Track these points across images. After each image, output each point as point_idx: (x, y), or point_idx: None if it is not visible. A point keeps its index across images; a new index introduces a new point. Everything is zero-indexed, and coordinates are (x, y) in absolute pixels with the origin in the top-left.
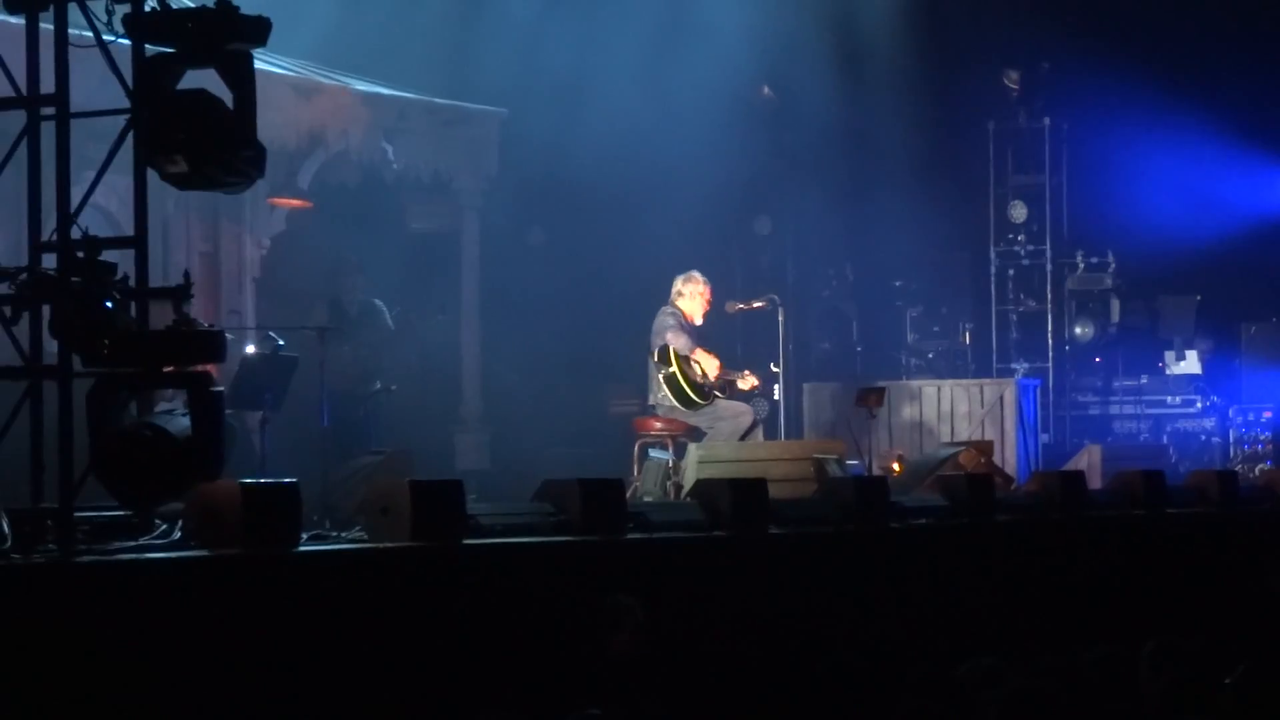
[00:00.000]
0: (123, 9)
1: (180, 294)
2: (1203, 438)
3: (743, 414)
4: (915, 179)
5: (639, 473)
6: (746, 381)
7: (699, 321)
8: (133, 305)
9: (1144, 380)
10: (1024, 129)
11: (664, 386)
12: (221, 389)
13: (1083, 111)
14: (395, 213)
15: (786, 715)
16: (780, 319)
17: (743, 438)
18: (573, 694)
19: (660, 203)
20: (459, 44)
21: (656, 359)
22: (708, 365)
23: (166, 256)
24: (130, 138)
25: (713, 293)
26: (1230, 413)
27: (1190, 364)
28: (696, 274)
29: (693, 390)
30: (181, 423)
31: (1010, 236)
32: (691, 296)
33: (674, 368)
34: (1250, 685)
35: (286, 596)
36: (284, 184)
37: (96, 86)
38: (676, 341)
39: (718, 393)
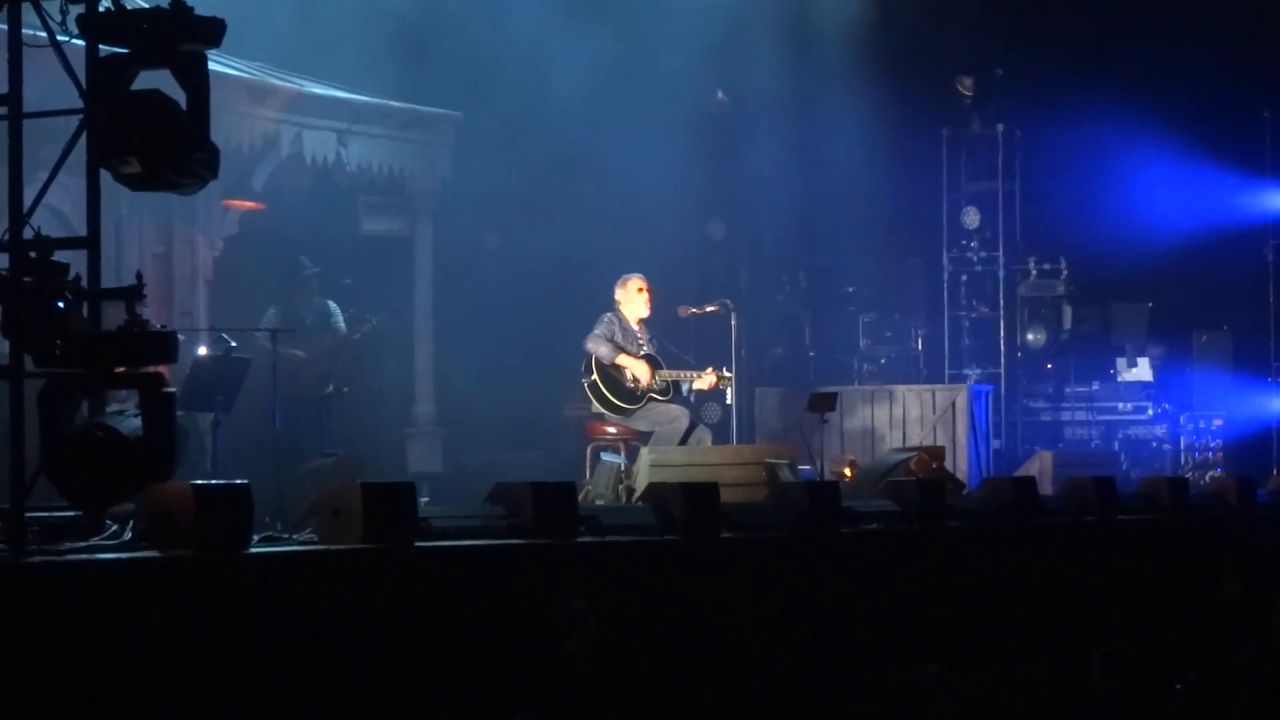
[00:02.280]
0: (77, 9)
1: (133, 295)
2: (1154, 445)
3: (679, 417)
4: (869, 185)
5: (591, 476)
6: (704, 380)
7: (646, 314)
8: (85, 306)
9: (1096, 387)
10: (977, 135)
11: (588, 394)
12: (173, 390)
13: (1036, 118)
14: (349, 215)
15: None
16: (733, 323)
17: (683, 440)
18: (523, 697)
19: (615, 207)
20: (414, 47)
21: (582, 368)
22: (637, 370)
23: (119, 257)
24: (84, 138)
25: (648, 285)
26: (1181, 420)
27: (1142, 371)
28: (631, 275)
29: (616, 396)
30: (133, 424)
31: (963, 243)
32: (629, 299)
33: (594, 375)
34: (1200, 691)
35: (238, 598)
36: (238, 186)
37: (50, 87)
38: (598, 349)
39: (655, 395)
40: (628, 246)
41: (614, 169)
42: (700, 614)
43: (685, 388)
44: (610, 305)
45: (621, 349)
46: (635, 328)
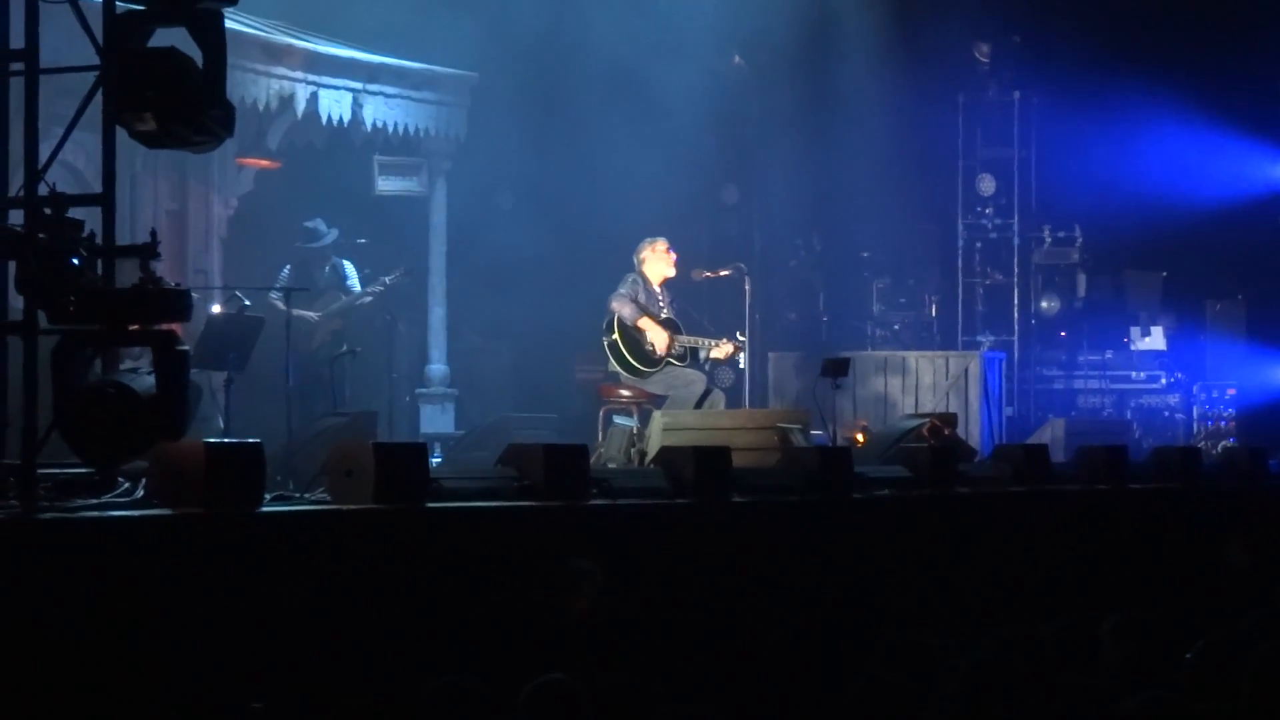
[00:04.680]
0: None
1: (147, 252)
2: (1166, 414)
3: (694, 381)
4: (884, 150)
5: (603, 439)
6: (721, 349)
7: (672, 274)
8: (99, 263)
9: (1109, 355)
10: (993, 102)
11: (607, 353)
12: (187, 348)
13: (1053, 85)
14: (364, 175)
15: (746, 683)
16: (747, 288)
17: (698, 405)
18: (533, 657)
19: (629, 169)
20: (430, 6)
21: (603, 326)
22: (655, 336)
23: (134, 214)
24: (99, 95)
25: (672, 249)
26: (1194, 389)
27: (1155, 340)
28: (655, 237)
29: (635, 358)
30: (146, 381)
31: (978, 210)
32: (654, 260)
33: (615, 335)
34: (1209, 659)
35: (248, 556)
36: (252, 144)
37: (66, 43)
38: (622, 309)
39: (673, 360)
40: (641, 209)
41: (628, 132)
42: (711, 577)
43: (702, 354)
44: (628, 266)
45: (645, 311)
46: (657, 289)
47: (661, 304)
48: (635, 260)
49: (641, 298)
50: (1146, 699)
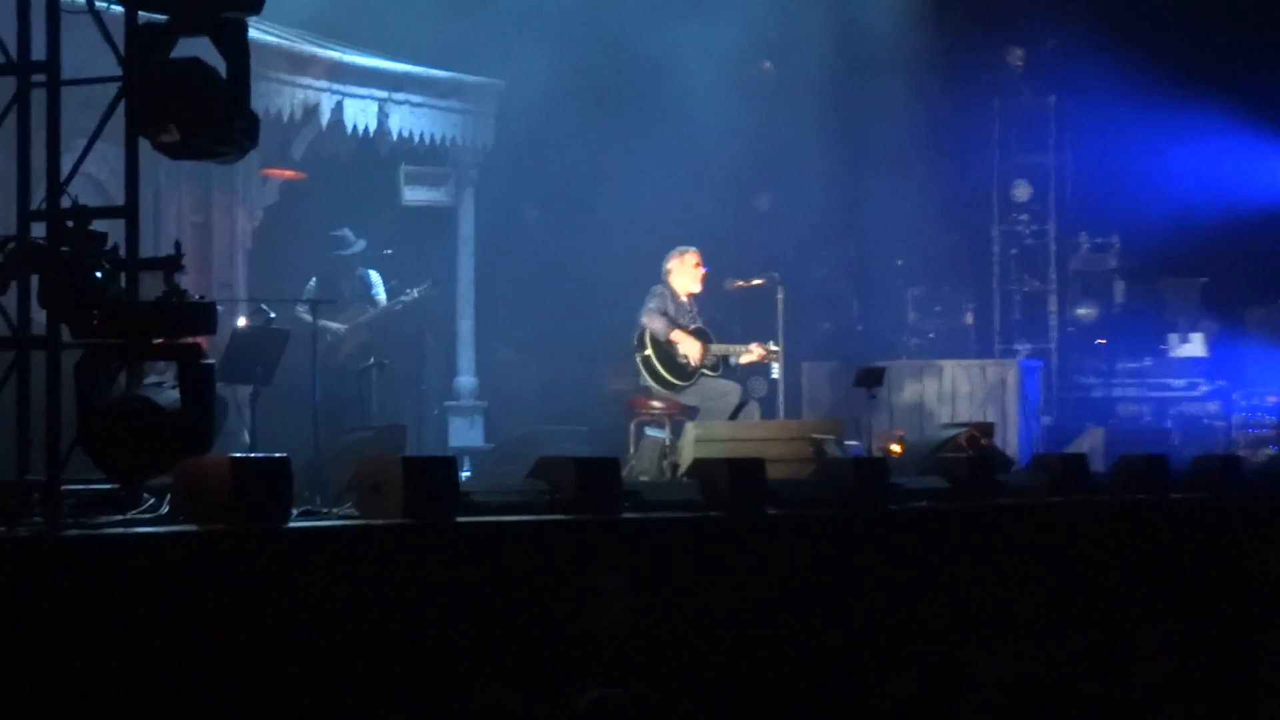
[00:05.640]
0: None
1: (171, 265)
2: (1206, 421)
3: (730, 393)
4: (917, 156)
5: (635, 451)
6: (751, 353)
7: (697, 289)
8: (123, 276)
9: (1147, 363)
10: (1028, 107)
11: (640, 369)
12: (212, 362)
13: (1088, 89)
14: (390, 185)
15: (780, 699)
16: (779, 297)
17: (733, 416)
18: (563, 674)
19: (658, 178)
20: (456, 14)
21: (635, 342)
22: (688, 348)
23: (157, 227)
24: (122, 106)
25: (703, 261)
26: (1234, 396)
27: (1194, 347)
28: (681, 246)
29: (669, 371)
30: (171, 395)
31: (1013, 216)
32: (680, 270)
33: (648, 350)
34: (1246, 670)
35: (276, 573)
36: (277, 155)
37: (88, 54)
38: (652, 324)
39: (706, 371)
40: (671, 218)
41: (658, 140)
42: (745, 591)
43: (732, 360)
44: (656, 277)
45: (675, 324)
46: (685, 301)
47: (689, 314)
48: (662, 270)
49: (670, 310)
50: (1183, 712)
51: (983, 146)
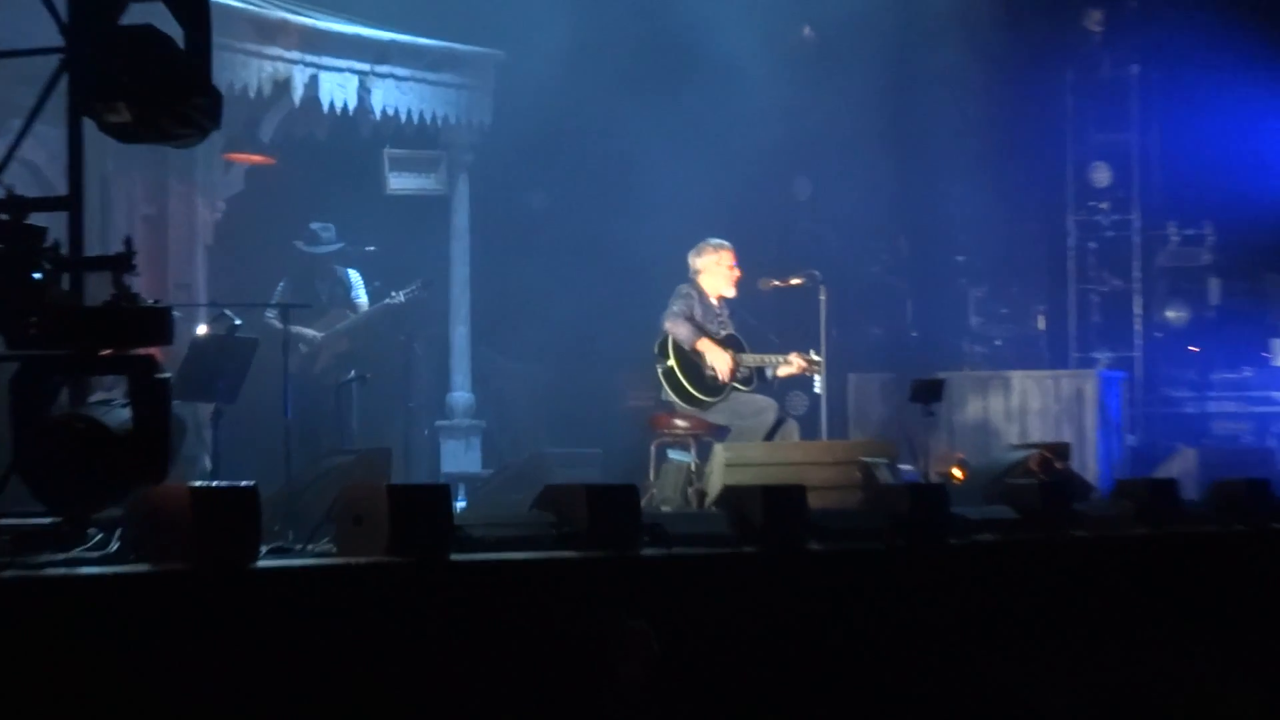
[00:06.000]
0: None
1: (121, 264)
2: None
3: (765, 410)
4: (980, 136)
5: (656, 477)
6: (790, 365)
7: (730, 292)
8: (65, 277)
9: (1247, 373)
10: (1108, 79)
11: (662, 382)
12: (168, 376)
13: (1178, 58)
14: (373, 171)
15: None
16: (821, 299)
17: (768, 437)
18: None
19: (683, 161)
20: None
21: (656, 350)
22: (717, 358)
23: (105, 220)
24: (64, 81)
25: (738, 258)
26: None
27: None
28: (714, 241)
29: (695, 385)
30: (121, 415)
31: (1091, 204)
32: (711, 269)
33: (671, 361)
34: None
35: (242, 618)
36: (243, 137)
37: (27, 22)
38: (676, 330)
39: (738, 385)
40: (698, 207)
41: (681, 117)
42: (783, 638)
43: (769, 373)
44: (683, 275)
45: (703, 331)
46: (715, 303)
47: (720, 319)
48: (690, 267)
49: (698, 314)
50: None
51: (1056, 124)
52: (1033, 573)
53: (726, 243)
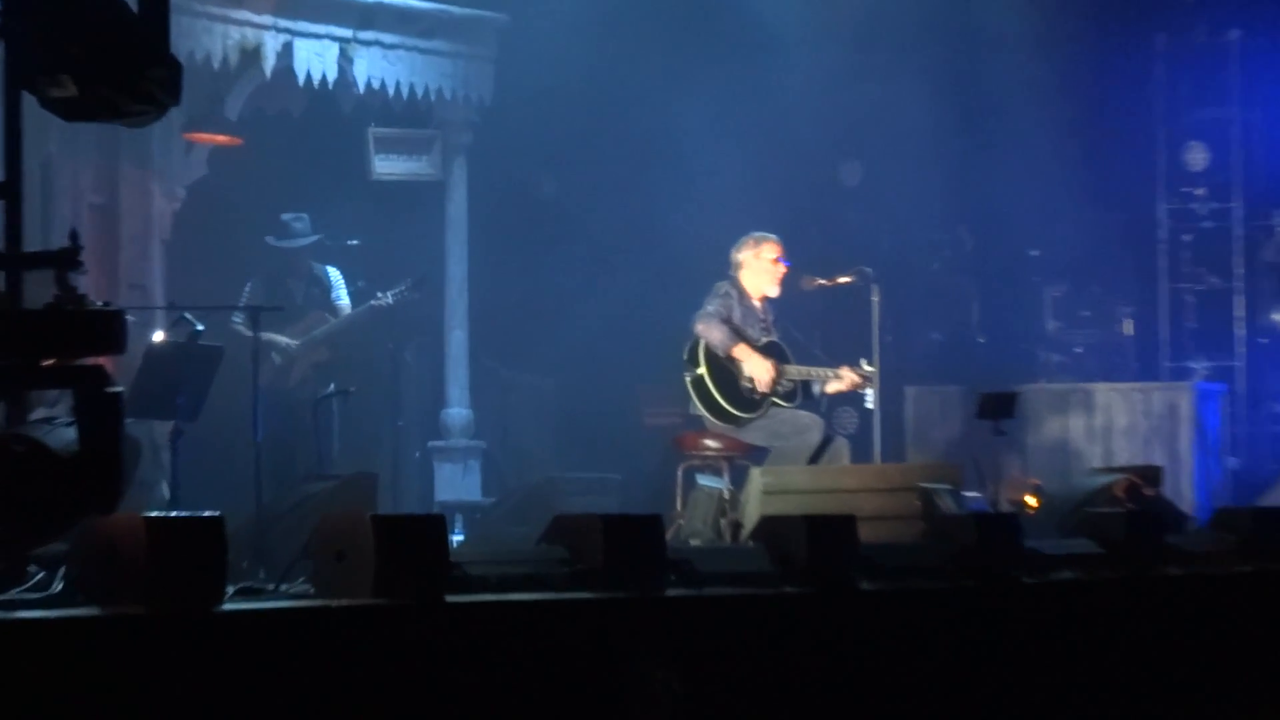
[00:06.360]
0: None
1: (65, 261)
2: None
3: (809, 428)
4: (1057, 113)
5: (683, 506)
6: (841, 381)
7: (774, 292)
8: (1, 276)
9: None
10: (1204, 46)
11: (691, 394)
12: (120, 390)
13: None
14: (356, 153)
15: None
16: (873, 299)
17: (813, 459)
18: None
19: (713, 141)
20: None
21: (685, 357)
22: (755, 367)
23: (47, 211)
24: None
25: (783, 260)
26: None
27: None
28: (762, 237)
29: (729, 399)
30: (65, 435)
31: (1186, 190)
32: (755, 266)
33: (702, 369)
34: None
35: (205, 669)
36: (206, 114)
37: None
38: (710, 334)
39: (778, 400)
40: (729, 194)
41: (712, 90)
42: (830, 691)
43: (816, 389)
44: (713, 272)
45: (740, 335)
46: (757, 305)
47: (762, 323)
48: (732, 262)
49: (736, 317)
50: None
51: (1144, 99)
52: (1118, 616)
53: (771, 235)
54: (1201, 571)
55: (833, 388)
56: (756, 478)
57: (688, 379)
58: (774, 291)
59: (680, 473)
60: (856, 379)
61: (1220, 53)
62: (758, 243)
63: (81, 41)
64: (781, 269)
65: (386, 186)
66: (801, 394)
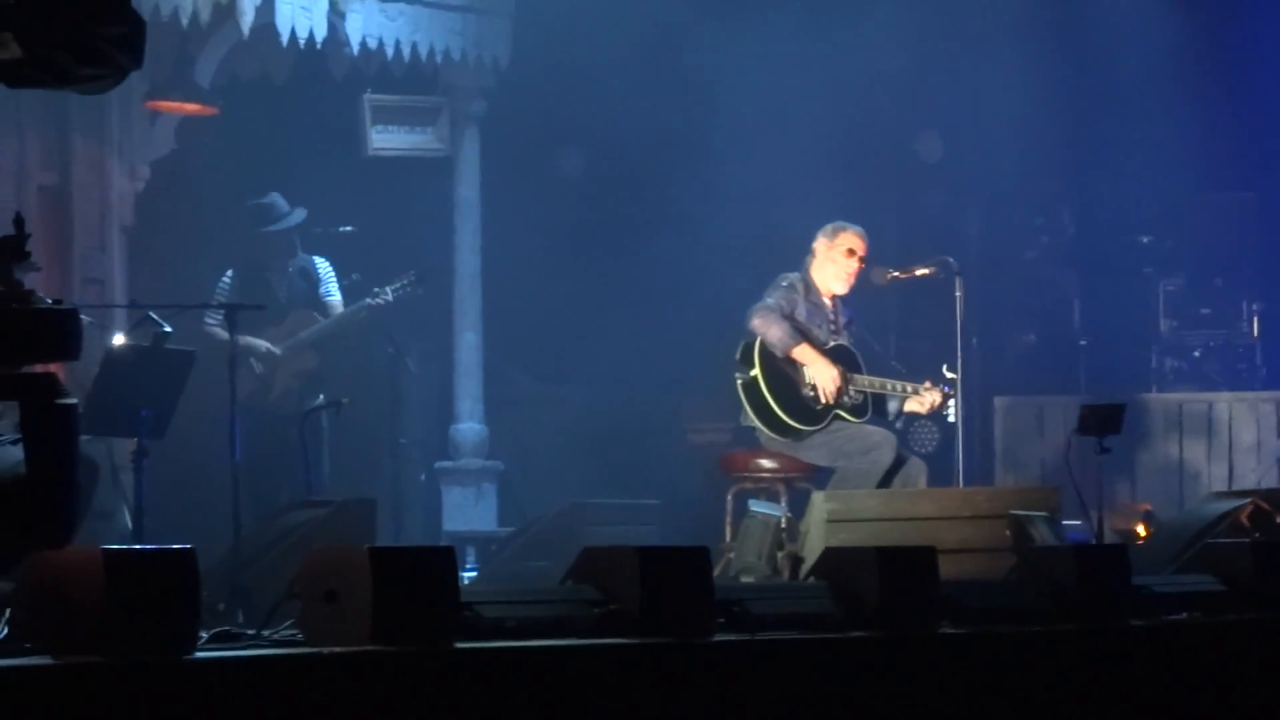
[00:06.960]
0: None
1: (10, 251)
2: None
3: (880, 446)
4: (1171, 80)
5: (733, 537)
6: (921, 402)
7: (843, 290)
8: None
9: None
10: None
11: (743, 403)
12: (74, 402)
13: None
14: (348, 125)
15: None
16: (957, 295)
17: (885, 482)
18: None
19: (763, 112)
20: None
21: (738, 357)
22: (820, 373)
23: None
24: None
25: (856, 253)
26: None
27: None
28: (844, 224)
29: (786, 408)
30: (11, 455)
31: None
32: (828, 260)
33: (756, 370)
34: None
35: None
36: (173, 80)
37: None
38: (768, 330)
39: (844, 413)
40: (785, 174)
41: (765, 50)
42: None
43: (892, 406)
44: (766, 265)
45: (804, 335)
46: (827, 303)
47: (831, 323)
48: (812, 250)
49: (801, 314)
50: None
51: (1272, 64)
52: (1243, 663)
53: (853, 226)
54: None
55: (910, 407)
56: (819, 503)
57: (739, 382)
58: (842, 289)
59: (730, 498)
60: (938, 399)
61: None
62: (835, 231)
63: None
64: (855, 265)
65: (385, 164)
66: (872, 409)
